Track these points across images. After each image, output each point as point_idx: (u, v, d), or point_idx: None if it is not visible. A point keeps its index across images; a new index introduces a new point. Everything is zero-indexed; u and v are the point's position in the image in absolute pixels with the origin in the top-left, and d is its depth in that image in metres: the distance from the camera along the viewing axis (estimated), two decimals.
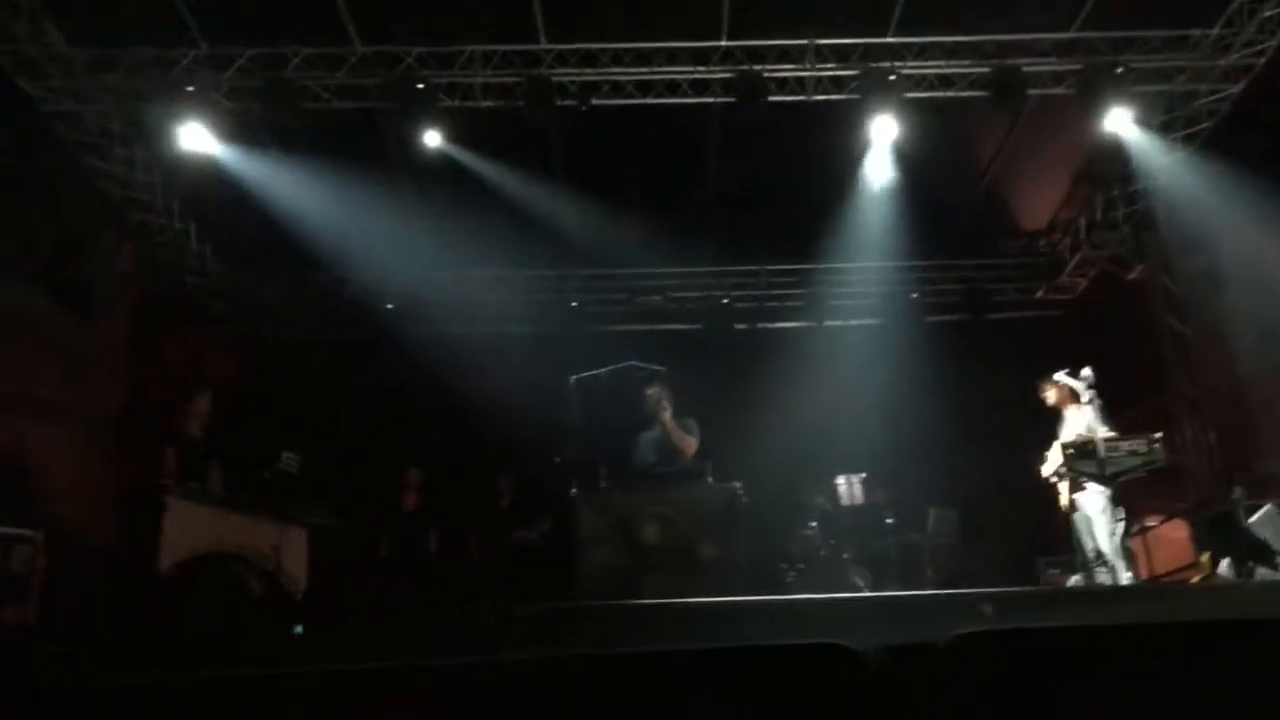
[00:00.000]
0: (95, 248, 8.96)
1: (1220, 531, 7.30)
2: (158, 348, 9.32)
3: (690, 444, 6.82)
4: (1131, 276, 11.04)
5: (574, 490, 6.25)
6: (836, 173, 10.06)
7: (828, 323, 11.71)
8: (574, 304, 11.56)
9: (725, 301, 11.63)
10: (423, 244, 10.56)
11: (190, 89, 8.22)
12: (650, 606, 4.70)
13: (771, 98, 8.62)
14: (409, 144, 8.95)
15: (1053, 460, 6.47)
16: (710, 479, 6.27)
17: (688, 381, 7.37)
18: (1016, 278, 11.92)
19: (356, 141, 9.32)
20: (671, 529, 6.11)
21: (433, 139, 8.74)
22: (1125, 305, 11.19)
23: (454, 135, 8.93)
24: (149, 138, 8.83)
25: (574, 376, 6.66)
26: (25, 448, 7.31)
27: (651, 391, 6.91)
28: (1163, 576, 8.28)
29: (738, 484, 6.16)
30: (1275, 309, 9.43)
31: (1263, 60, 8.50)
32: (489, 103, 8.63)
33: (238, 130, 8.79)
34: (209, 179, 9.14)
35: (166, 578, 5.74)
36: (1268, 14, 8.19)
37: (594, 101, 8.65)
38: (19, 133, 8.04)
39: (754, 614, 4.60)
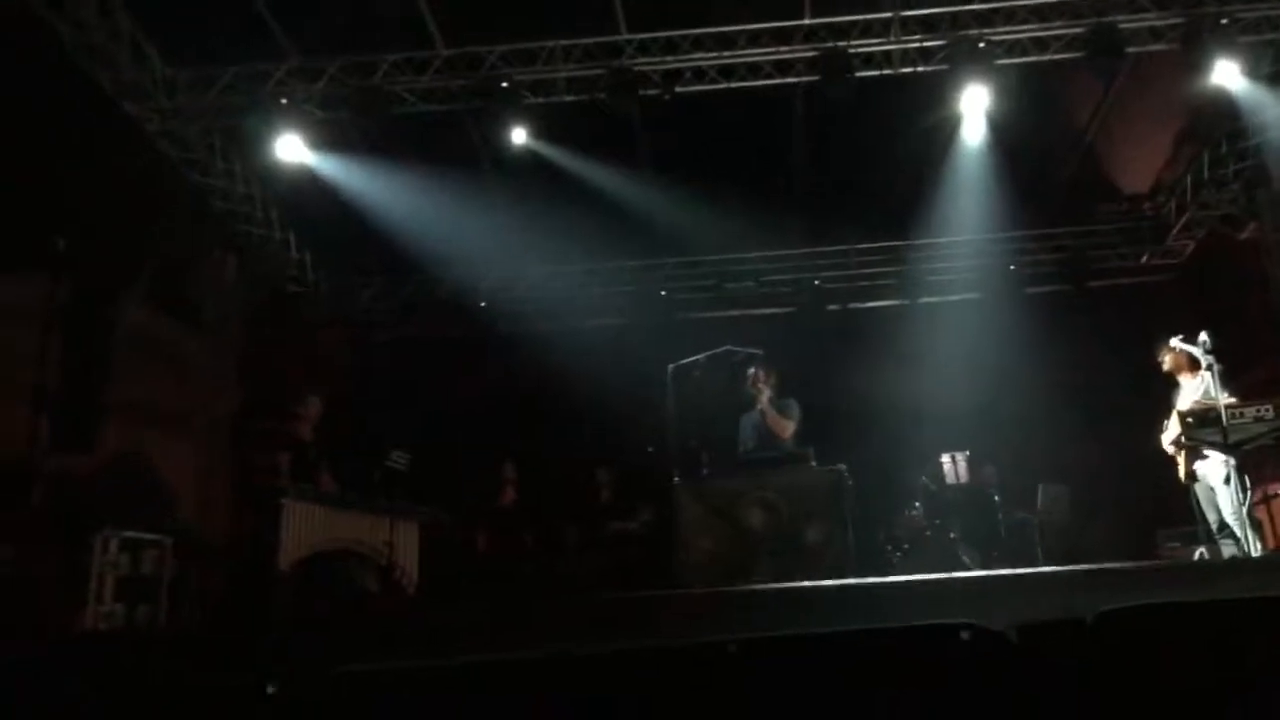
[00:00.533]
0: (203, 261, 9.30)
1: None
2: (266, 355, 9.64)
3: (787, 426, 6.77)
4: (1244, 235, 10.56)
5: (675, 478, 6.24)
6: (926, 146, 9.86)
7: (922, 300, 11.47)
8: (663, 293, 11.55)
9: (816, 283, 11.48)
10: (512, 241, 10.72)
11: (284, 101, 8.47)
12: (759, 593, 4.66)
13: (858, 74, 8.47)
14: (495, 143, 9.05)
15: (1172, 430, 6.23)
16: (814, 463, 6.21)
17: (783, 365, 7.31)
18: (1119, 244, 11.50)
19: (444, 143, 9.48)
20: (776, 514, 6.07)
21: (519, 136, 8.84)
22: (1239, 265, 10.71)
23: (539, 131, 9.03)
24: (247, 151, 9.11)
25: (671, 365, 6.66)
26: (149, 456, 7.63)
27: (751, 373, 6.88)
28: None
29: (843, 466, 6.09)
30: None
31: None
32: (572, 97, 8.67)
33: (331, 138, 9.01)
34: (305, 188, 9.40)
35: (286, 576, 5.93)
36: None
37: (677, 89, 8.62)
38: (127, 155, 8.38)
39: (864, 597, 4.53)
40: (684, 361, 6.69)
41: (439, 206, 9.76)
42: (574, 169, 9.68)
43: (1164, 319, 10.79)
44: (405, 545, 6.64)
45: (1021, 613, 3.67)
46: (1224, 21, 8.14)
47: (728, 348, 6.74)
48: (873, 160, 10.01)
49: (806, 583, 4.76)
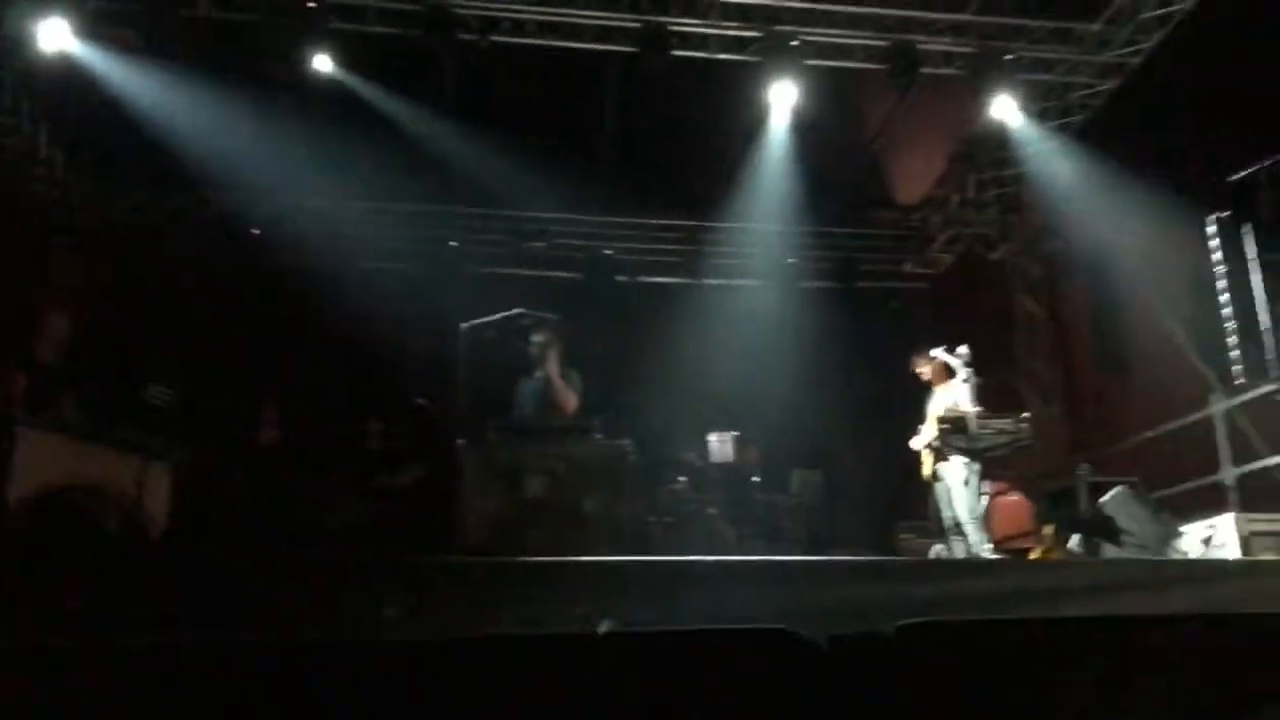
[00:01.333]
0: None
1: (1063, 506, 7.83)
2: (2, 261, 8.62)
3: (572, 399, 6.79)
4: (995, 256, 11.57)
5: (460, 440, 6.14)
6: (728, 133, 10.13)
7: (708, 281, 11.81)
8: (454, 243, 11.26)
9: (608, 253, 11.56)
10: (296, 169, 10.08)
11: None
12: (538, 565, 4.66)
13: (674, 52, 8.55)
14: (294, 65, 8.44)
15: (926, 433, 6.75)
16: (599, 435, 6.27)
17: (567, 330, 7.30)
18: (887, 249, 12.31)
19: (234, 55, 8.76)
20: (557, 483, 6.08)
21: (322, 63, 8.26)
22: (986, 283, 11.74)
23: (343, 60, 8.49)
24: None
25: (464, 324, 6.51)
26: None
27: (538, 339, 6.83)
28: (1001, 542, 8.82)
29: (627, 442, 6.19)
30: (1109, 302, 10.08)
31: (1138, 60, 8.95)
32: (383, 29, 8.25)
33: (105, 31, 8.11)
34: (65, 80, 8.42)
35: (13, 513, 5.36)
36: (1146, 15, 8.60)
37: (494, 38, 8.38)
38: None
39: (639, 574, 4.61)
40: (477, 321, 6.55)
41: (219, 121, 9.05)
42: (374, 102, 9.24)
43: (917, 323, 11.72)
44: (155, 487, 6.13)
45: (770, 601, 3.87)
46: (1009, 58, 8.82)
47: (520, 310, 6.66)
48: (676, 139, 10.21)
49: (589, 558, 4.79)
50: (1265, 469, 6.99)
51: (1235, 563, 5.41)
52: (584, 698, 2.33)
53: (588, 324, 9.81)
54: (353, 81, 8.80)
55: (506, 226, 11.59)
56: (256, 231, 10.78)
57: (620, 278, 11.74)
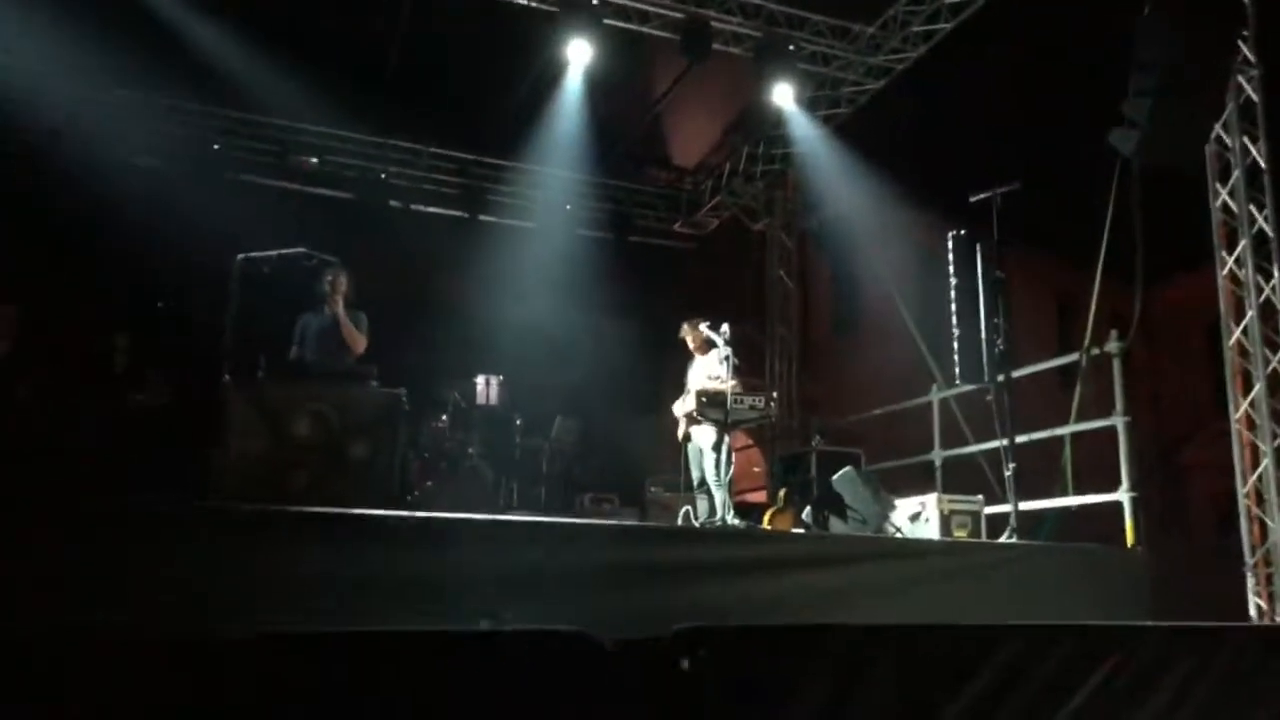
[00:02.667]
0: None
1: (795, 471, 8.62)
2: None
3: (360, 340, 6.75)
4: (757, 227, 12.29)
5: (226, 375, 5.94)
6: (517, 75, 10.13)
7: (484, 217, 11.78)
8: (216, 146, 10.59)
9: (383, 176, 11.28)
10: (36, 44, 9.13)
11: None
12: (315, 515, 4.69)
13: None
14: None
15: (687, 402, 7.22)
16: (376, 382, 6.26)
17: (335, 251, 7.14)
18: (659, 207, 12.76)
19: None
20: (325, 426, 6.03)
21: None
22: (746, 250, 12.48)
23: None
24: None
25: (240, 255, 6.24)
26: None
27: (329, 278, 6.70)
28: (737, 496, 9.58)
29: (402, 390, 6.21)
30: (850, 280, 11.07)
31: (901, 67, 9.72)
32: None
33: None
34: None
35: None
36: (915, 29, 9.35)
37: None
38: None
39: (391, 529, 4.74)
40: (255, 254, 6.29)
41: None
42: None
43: (681, 281, 12.31)
44: None
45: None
46: (791, 47, 9.33)
47: (303, 249, 6.45)
48: (462, 75, 10.07)
49: (349, 510, 4.86)
50: (968, 455, 8.02)
51: (938, 542, 6.25)
52: (374, 699, 2.44)
53: (357, 248, 9.62)
54: None
55: (275, 136, 11.03)
56: None
57: (394, 203, 11.49)
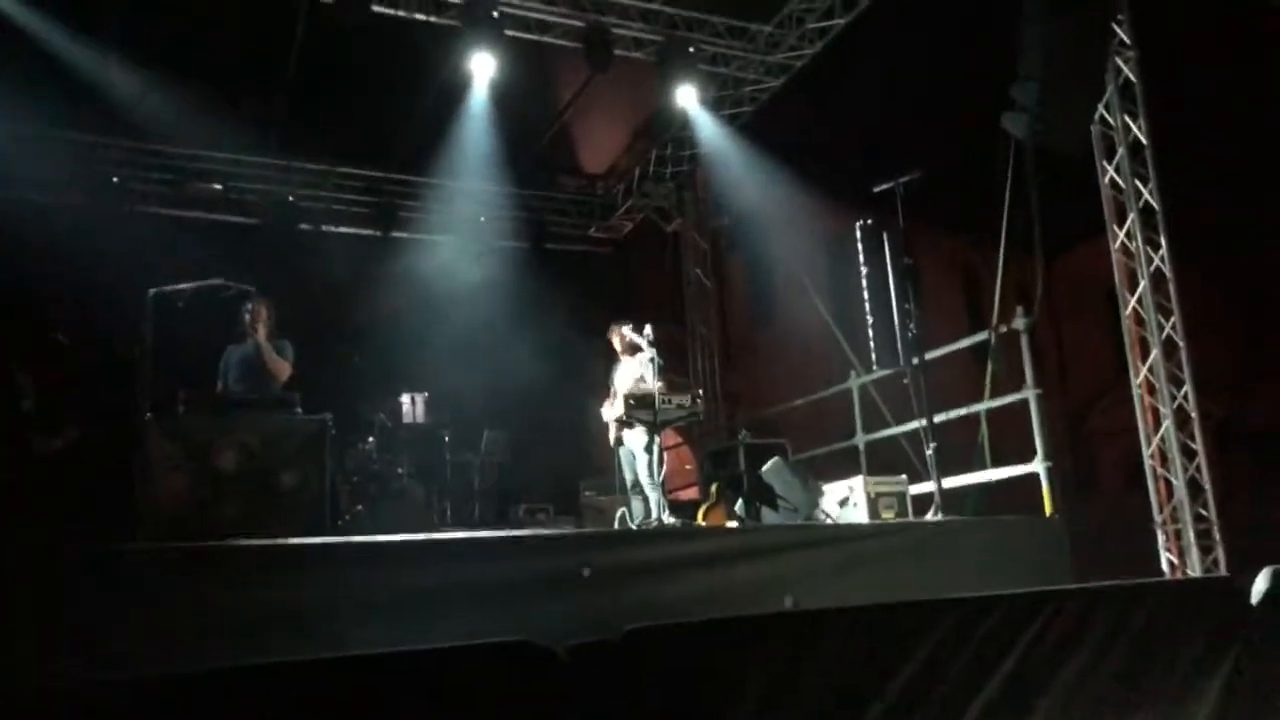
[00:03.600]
0: None
1: (724, 466, 8.74)
2: None
3: (284, 368, 6.68)
4: (671, 228, 12.43)
5: (148, 414, 5.82)
6: (421, 91, 10.09)
7: (397, 234, 11.69)
8: (115, 179, 10.32)
9: (290, 199, 11.11)
10: None
11: None
12: (236, 549, 4.64)
13: (375, 7, 8.38)
14: None
15: (616, 407, 7.28)
16: (299, 409, 6.19)
17: (245, 280, 7.04)
18: (573, 213, 12.82)
19: None
20: (251, 458, 5.95)
21: None
22: (661, 250, 12.62)
23: None
24: None
25: (152, 290, 6.10)
26: None
27: (250, 308, 6.61)
28: (671, 495, 9.70)
29: (328, 415, 6.16)
30: (763, 275, 11.29)
31: (799, 65, 9.94)
32: None
33: None
34: None
35: None
36: (810, 26, 9.57)
37: None
38: None
39: (325, 554, 4.72)
40: (167, 289, 6.15)
41: None
42: (22, 20, 8.26)
43: (600, 285, 12.37)
44: None
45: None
46: (691, 50, 9.47)
47: (220, 280, 6.35)
48: (362, 91, 9.99)
49: (286, 540, 4.83)
50: (890, 437, 8.24)
51: (868, 526, 6.43)
52: None
53: (268, 273, 9.48)
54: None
55: (175, 164, 10.79)
56: None
57: (303, 226, 11.33)
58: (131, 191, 10.48)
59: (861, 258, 7.17)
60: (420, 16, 8.74)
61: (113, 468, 7.04)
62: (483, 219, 11.84)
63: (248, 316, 6.74)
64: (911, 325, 6.94)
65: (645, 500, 7.60)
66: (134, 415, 6.12)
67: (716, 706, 2.67)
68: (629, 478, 7.80)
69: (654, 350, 7.00)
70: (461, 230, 11.80)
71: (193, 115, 9.63)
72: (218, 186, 10.90)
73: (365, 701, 2.49)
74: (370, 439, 9.06)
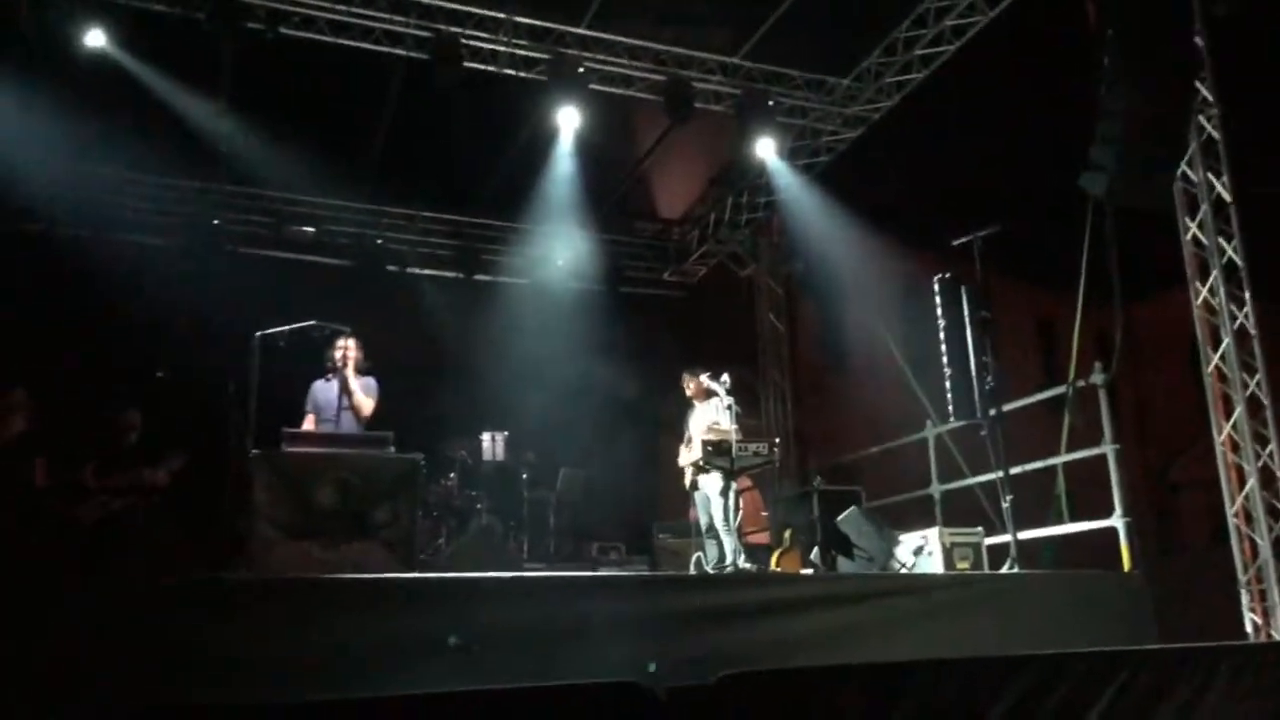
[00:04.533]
0: None
1: (797, 512, 8.82)
2: None
3: (369, 405, 6.99)
4: (745, 273, 12.63)
5: (253, 449, 6.15)
6: (507, 140, 10.48)
7: (480, 277, 12.07)
8: (216, 222, 10.86)
9: (379, 242, 11.56)
10: (42, 131, 9.38)
11: None
12: (336, 582, 4.89)
13: (467, 64, 8.76)
14: (61, 37, 7.91)
15: (693, 452, 7.45)
16: (393, 448, 6.47)
17: (342, 320, 7.37)
18: (648, 257, 13.10)
19: None
20: (349, 493, 6.23)
21: (95, 39, 7.81)
22: (735, 295, 12.80)
23: (115, 35, 8.06)
24: None
25: (258, 333, 6.50)
26: None
27: (341, 345, 6.96)
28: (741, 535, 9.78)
29: (420, 455, 6.43)
30: (833, 321, 11.38)
31: (877, 117, 10.11)
32: (163, 8, 7.91)
33: None
34: None
35: None
36: (888, 79, 9.74)
37: (282, 30, 8.24)
38: None
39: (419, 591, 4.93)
40: (270, 331, 6.54)
41: None
42: (140, 77, 8.79)
43: (672, 329, 12.57)
44: None
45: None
46: (770, 103, 9.70)
47: (315, 322, 6.72)
48: (451, 139, 10.38)
49: (391, 574, 5.07)
50: (965, 487, 8.27)
51: (944, 576, 6.47)
52: None
53: (356, 313, 9.86)
54: (121, 56, 8.32)
55: (273, 207, 11.32)
56: None
57: (391, 268, 11.77)
58: (231, 234, 10.99)
59: (939, 310, 7.26)
60: (510, 72, 9.11)
61: (218, 500, 7.41)
62: (560, 262, 12.14)
63: (338, 354, 7.07)
64: (989, 378, 7.01)
65: (720, 544, 7.72)
66: (236, 450, 6.48)
67: None
68: (704, 521, 7.93)
69: (731, 397, 7.16)
70: (540, 273, 12.12)
71: (290, 162, 10.11)
72: (311, 230, 11.37)
73: None
74: (451, 475, 9.34)
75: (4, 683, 3.79)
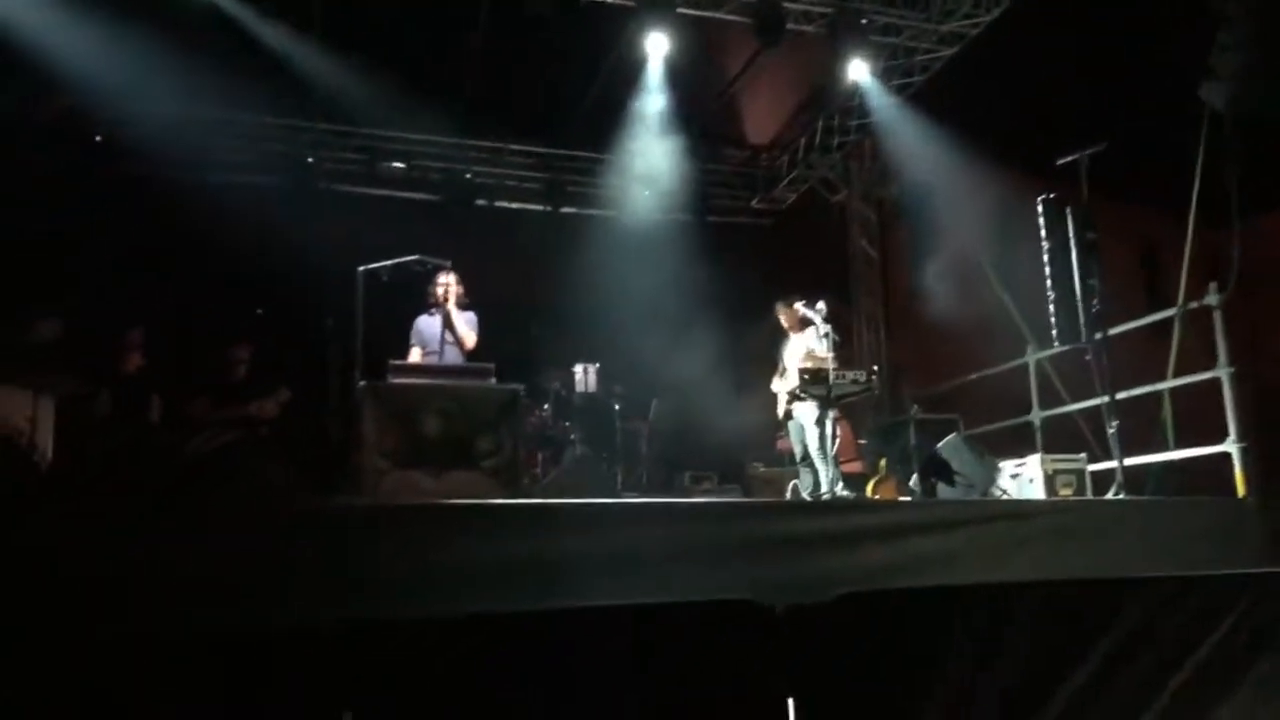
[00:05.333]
0: None
1: (893, 441, 8.78)
2: None
3: (471, 338, 7.12)
4: (836, 198, 12.40)
5: (361, 380, 6.33)
6: (592, 69, 10.40)
7: (566, 209, 12.09)
8: (310, 159, 11.06)
9: (468, 176, 11.64)
10: (143, 76, 9.61)
11: None
12: (448, 507, 5.04)
13: None
14: None
15: (788, 380, 7.44)
16: (494, 379, 6.60)
17: (434, 254, 7.48)
18: (736, 185, 12.94)
19: None
20: (452, 422, 6.39)
21: None
22: (825, 223, 12.59)
23: None
24: None
25: (361, 268, 6.66)
26: None
27: (442, 280, 7.08)
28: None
29: (520, 385, 6.55)
30: (933, 245, 11.10)
31: (975, 32, 9.74)
32: None
33: None
34: None
35: None
36: None
37: None
38: None
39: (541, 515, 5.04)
40: (373, 266, 6.69)
41: (61, 17, 8.58)
42: (235, 14, 8.93)
43: (761, 257, 12.45)
44: (43, 421, 6.07)
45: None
46: (863, 21, 9.42)
47: (417, 257, 6.84)
48: (537, 68, 10.33)
49: (506, 501, 5.20)
50: (1065, 414, 8.10)
51: (1048, 502, 6.39)
52: (559, 670, 2.72)
53: (451, 247, 9.99)
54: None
55: (364, 144, 11.47)
56: (99, 138, 10.25)
57: (480, 201, 11.86)
58: (325, 172, 11.18)
59: (1043, 232, 7.05)
60: None
61: (324, 431, 7.68)
62: (647, 193, 12.07)
63: (440, 289, 7.20)
64: (1095, 301, 6.81)
65: (814, 473, 7.73)
66: (341, 382, 6.68)
67: (922, 670, 2.84)
68: (798, 451, 7.95)
69: (829, 325, 7.11)
70: (627, 203, 12.08)
71: (380, 97, 10.20)
72: (402, 165, 11.50)
73: (602, 649, 2.74)
74: (546, 406, 9.49)
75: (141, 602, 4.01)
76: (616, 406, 9.75)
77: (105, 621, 3.12)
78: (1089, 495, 6.88)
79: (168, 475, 7.91)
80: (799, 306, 7.62)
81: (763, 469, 9.41)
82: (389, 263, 6.73)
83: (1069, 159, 6.96)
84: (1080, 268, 6.86)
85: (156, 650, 2.48)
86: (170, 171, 10.22)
